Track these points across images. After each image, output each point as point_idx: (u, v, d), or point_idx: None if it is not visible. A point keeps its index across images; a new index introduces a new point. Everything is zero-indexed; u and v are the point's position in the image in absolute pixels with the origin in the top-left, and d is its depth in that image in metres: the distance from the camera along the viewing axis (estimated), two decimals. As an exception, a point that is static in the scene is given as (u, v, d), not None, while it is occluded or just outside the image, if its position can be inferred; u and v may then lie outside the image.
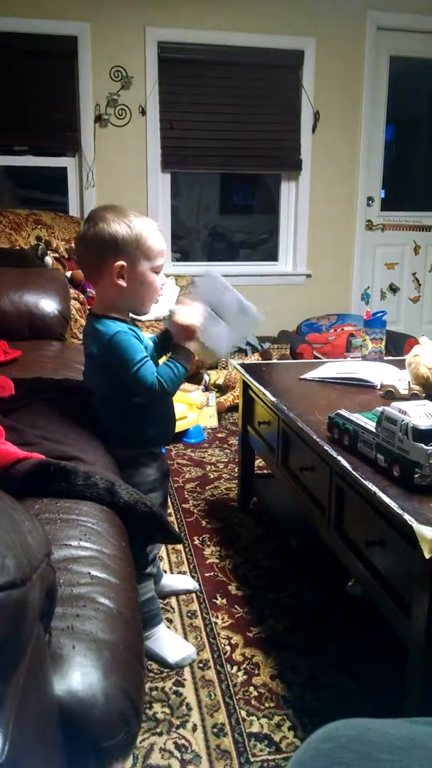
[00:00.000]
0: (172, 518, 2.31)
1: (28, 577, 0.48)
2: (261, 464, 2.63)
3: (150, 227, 1.48)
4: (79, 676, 0.70)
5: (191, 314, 1.49)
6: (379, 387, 1.88)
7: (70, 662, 0.71)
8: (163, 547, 2.08)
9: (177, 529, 2.22)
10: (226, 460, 2.91)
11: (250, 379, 2.09)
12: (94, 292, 2.42)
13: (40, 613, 0.59)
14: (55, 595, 0.68)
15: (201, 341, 1.54)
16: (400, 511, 1.13)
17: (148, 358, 1.44)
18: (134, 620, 0.88)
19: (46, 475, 1.18)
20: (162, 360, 1.55)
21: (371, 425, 1.35)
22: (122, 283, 1.46)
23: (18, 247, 3.62)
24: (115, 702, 0.70)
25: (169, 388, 1.44)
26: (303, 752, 0.55)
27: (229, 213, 5.24)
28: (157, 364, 1.49)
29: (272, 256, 4.83)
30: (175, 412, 1.64)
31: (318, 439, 1.50)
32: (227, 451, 3.02)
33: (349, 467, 1.33)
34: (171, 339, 1.57)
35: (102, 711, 0.69)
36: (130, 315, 1.56)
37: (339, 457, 1.38)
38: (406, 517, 1.10)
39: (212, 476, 2.72)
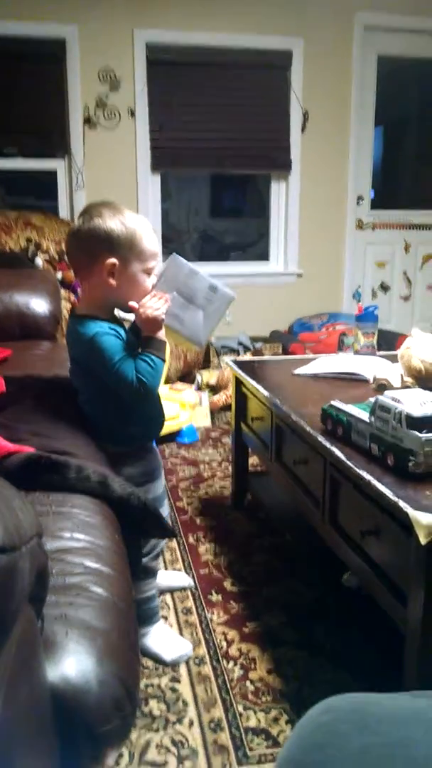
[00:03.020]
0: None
1: (17, 546, 0.47)
2: (255, 462, 2.62)
3: (145, 228, 1.46)
4: (73, 663, 0.69)
5: (153, 305, 1.43)
6: (372, 381, 1.88)
7: (63, 649, 0.70)
8: (158, 545, 2.07)
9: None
10: (219, 459, 2.90)
11: (243, 375, 2.09)
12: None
13: (32, 594, 0.58)
14: (46, 580, 0.67)
15: (176, 331, 1.51)
16: (395, 499, 1.12)
17: (127, 356, 1.41)
18: (128, 610, 0.87)
19: (37, 468, 1.17)
20: None
21: (365, 416, 1.35)
22: (112, 281, 1.44)
23: (8, 249, 3.60)
24: (109, 688, 0.69)
25: (150, 382, 1.41)
26: (301, 727, 0.54)
27: (219, 216, 5.24)
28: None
29: (263, 257, 4.83)
30: (161, 408, 1.62)
31: (311, 431, 1.49)
32: (221, 450, 3.01)
33: (343, 457, 1.33)
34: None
35: (96, 697, 0.68)
36: (120, 314, 1.54)
37: (333, 448, 1.38)
38: (401, 504, 1.10)
39: (206, 475, 2.71)
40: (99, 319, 1.45)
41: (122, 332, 1.47)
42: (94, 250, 1.42)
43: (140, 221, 1.46)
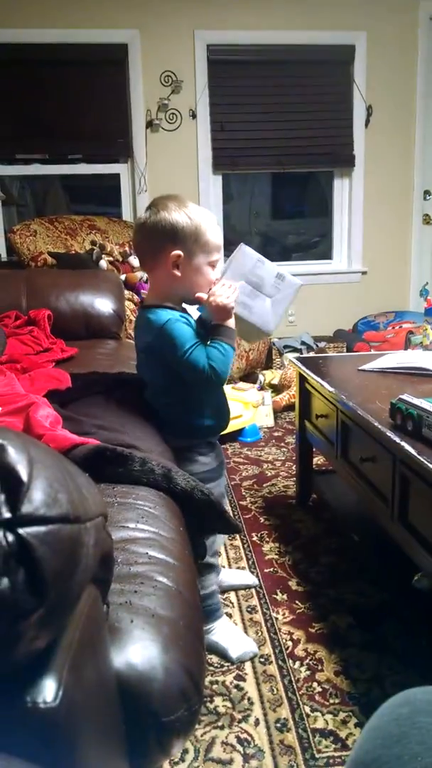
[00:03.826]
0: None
1: (82, 519, 0.46)
2: (319, 461, 2.58)
3: (210, 221, 1.47)
4: (138, 649, 0.68)
5: (224, 293, 1.44)
6: (442, 375, 1.81)
7: (128, 635, 0.69)
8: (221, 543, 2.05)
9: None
10: (283, 458, 2.86)
11: (307, 371, 2.05)
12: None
13: (96, 575, 0.57)
14: (111, 564, 0.66)
15: (246, 319, 1.51)
16: (470, 494, 1.07)
17: (198, 343, 1.42)
18: (193, 600, 0.85)
19: (102, 460, 1.17)
20: None
21: (437, 409, 1.30)
22: (177, 272, 1.44)
23: (73, 252, 3.68)
24: (175, 677, 0.68)
25: (221, 369, 1.41)
26: (378, 718, 0.51)
27: (281, 218, 5.20)
28: None
29: (326, 255, 4.77)
30: (227, 402, 1.61)
31: (380, 426, 1.44)
32: (284, 449, 2.97)
33: (414, 452, 1.28)
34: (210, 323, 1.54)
35: (162, 685, 0.66)
36: (187, 309, 1.54)
37: (403, 443, 1.33)
38: None
39: (269, 474, 2.68)
40: (169, 308, 1.45)
41: (192, 321, 1.47)
42: (159, 242, 1.43)
43: (205, 214, 1.46)
